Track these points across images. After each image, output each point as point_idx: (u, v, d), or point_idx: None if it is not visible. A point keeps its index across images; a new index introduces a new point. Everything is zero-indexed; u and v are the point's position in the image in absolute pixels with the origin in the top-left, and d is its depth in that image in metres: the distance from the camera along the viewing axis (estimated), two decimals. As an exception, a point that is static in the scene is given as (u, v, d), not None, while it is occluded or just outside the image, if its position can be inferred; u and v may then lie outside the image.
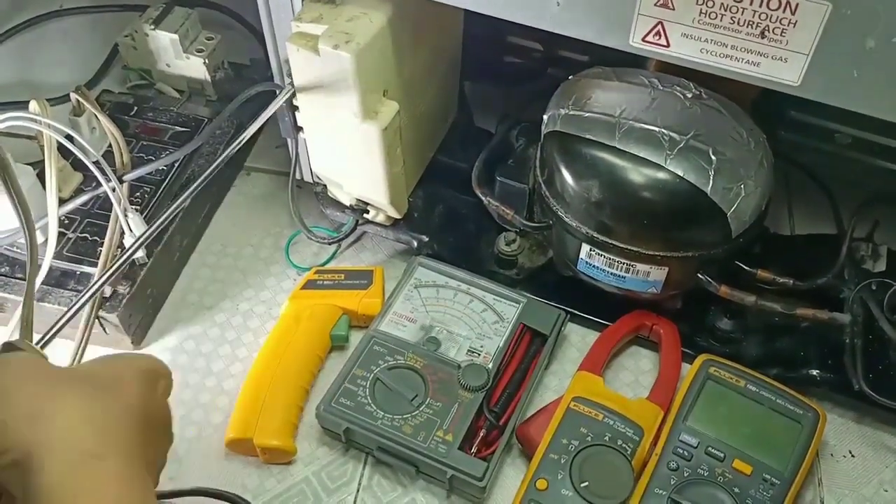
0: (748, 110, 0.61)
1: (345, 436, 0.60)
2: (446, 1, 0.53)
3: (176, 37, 0.77)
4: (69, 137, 0.62)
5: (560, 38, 0.50)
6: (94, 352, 0.62)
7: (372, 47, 0.56)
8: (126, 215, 0.63)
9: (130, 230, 0.64)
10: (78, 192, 0.70)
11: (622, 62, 0.59)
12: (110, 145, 0.68)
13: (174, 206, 0.59)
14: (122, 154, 0.61)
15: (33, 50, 0.92)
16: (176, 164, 0.73)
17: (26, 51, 0.92)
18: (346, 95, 0.57)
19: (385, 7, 0.57)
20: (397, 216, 0.69)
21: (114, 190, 0.62)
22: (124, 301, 0.64)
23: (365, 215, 0.70)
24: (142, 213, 0.69)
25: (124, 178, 0.63)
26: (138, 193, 0.70)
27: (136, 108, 0.79)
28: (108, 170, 0.62)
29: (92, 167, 0.62)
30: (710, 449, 0.57)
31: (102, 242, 0.65)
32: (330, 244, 0.74)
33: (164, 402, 0.43)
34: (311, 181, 0.72)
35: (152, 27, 0.77)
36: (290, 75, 0.60)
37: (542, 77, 0.77)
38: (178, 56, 0.78)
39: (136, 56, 0.81)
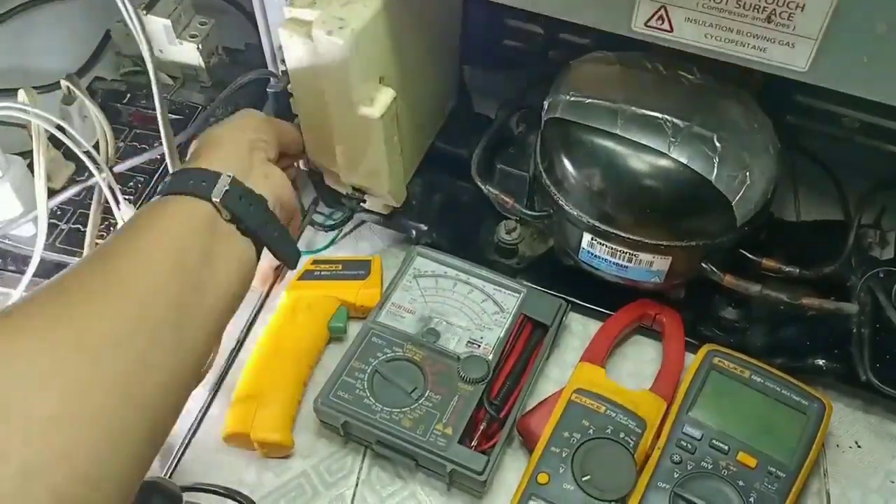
0: (754, 96, 0.60)
1: (343, 429, 0.59)
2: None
3: (168, 22, 0.75)
4: (60, 128, 0.61)
5: (561, 22, 0.49)
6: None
7: (367, 33, 0.54)
8: (118, 206, 0.62)
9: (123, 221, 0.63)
10: (70, 182, 0.69)
11: (625, 47, 0.57)
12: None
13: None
14: (108, 145, 0.60)
15: (26, 36, 0.91)
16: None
17: (18, 37, 0.91)
18: (341, 82, 0.56)
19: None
20: (395, 205, 0.68)
21: (105, 180, 0.61)
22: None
23: (362, 204, 0.69)
24: (136, 203, 0.68)
25: (114, 168, 0.61)
26: (131, 183, 0.69)
27: (128, 95, 0.78)
28: (100, 159, 0.60)
29: (82, 157, 0.61)
30: (714, 441, 0.56)
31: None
32: (327, 231, 0.73)
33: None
34: (307, 168, 0.70)
35: (144, 12, 0.75)
36: (283, 62, 0.59)
37: (542, 61, 0.75)
38: (171, 42, 0.77)
39: (128, 42, 0.80)
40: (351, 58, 0.54)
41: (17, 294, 0.62)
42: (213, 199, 0.49)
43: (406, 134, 0.63)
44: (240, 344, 0.61)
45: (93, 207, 0.61)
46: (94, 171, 0.61)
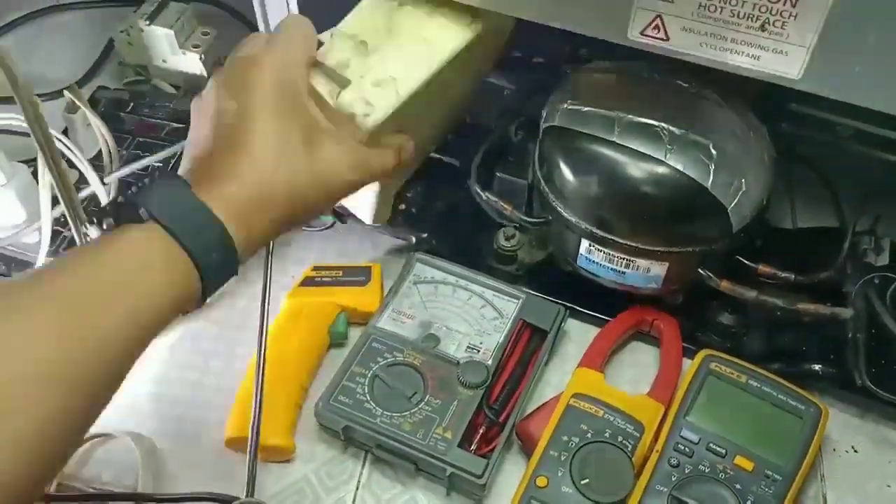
0: (749, 103, 0.60)
1: (343, 434, 0.59)
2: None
3: (171, 32, 0.76)
4: (64, 132, 0.62)
5: (561, 31, 0.50)
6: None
7: (392, 117, 0.53)
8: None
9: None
10: (74, 188, 0.70)
11: (623, 56, 0.58)
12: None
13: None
14: (110, 155, 0.61)
15: (31, 44, 0.92)
16: (172, 162, 0.72)
17: (24, 45, 0.92)
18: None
19: (420, 68, 0.54)
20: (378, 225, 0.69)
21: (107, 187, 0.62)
22: (121, 299, 0.64)
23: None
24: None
25: (106, 179, 0.62)
26: (131, 190, 0.70)
27: (131, 104, 0.78)
28: (97, 180, 0.61)
29: (82, 168, 0.62)
30: (711, 445, 0.57)
31: (99, 240, 0.65)
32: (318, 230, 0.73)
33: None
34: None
35: (147, 23, 0.76)
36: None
37: (542, 70, 0.76)
38: (173, 51, 0.78)
39: (131, 52, 0.81)
40: (368, 139, 0.53)
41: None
42: (197, 261, 0.39)
43: (406, 170, 0.63)
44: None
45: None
46: (93, 182, 0.61)
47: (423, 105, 0.56)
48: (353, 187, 0.48)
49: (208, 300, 0.42)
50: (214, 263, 0.40)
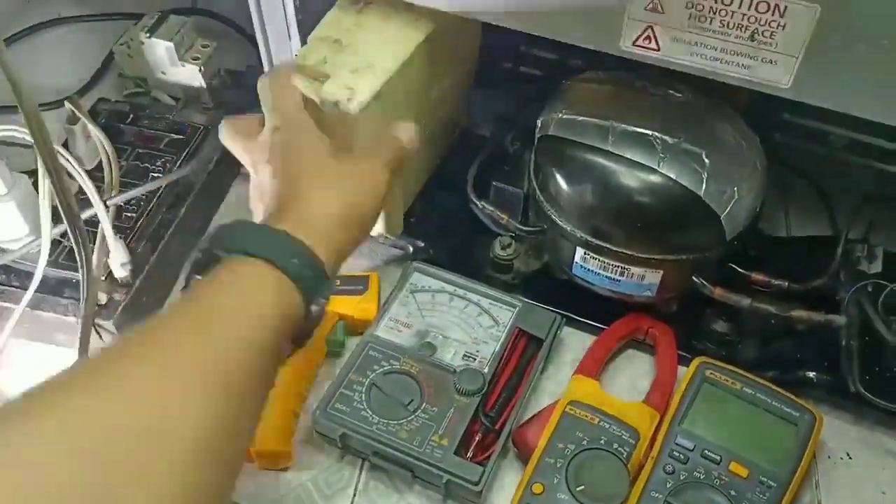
0: (742, 113, 0.61)
1: (341, 441, 0.60)
2: (438, 6, 0.53)
3: (171, 45, 0.77)
4: (64, 144, 0.63)
5: (555, 42, 0.51)
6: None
7: (375, 102, 0.55)
8: (105, 240, 0.63)
9: (109, 254, 0.64)
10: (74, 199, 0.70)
11: (618, 66, 0.59)
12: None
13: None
14: (111, 170, 0.61)
15: (32, 56, 0.93)
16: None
17: (26, 57, 0.92)
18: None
19: (394, 52, 0.56)
20: (393, 237, 0.69)
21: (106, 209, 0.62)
22: (120, 308, 0.65)
23: None
24: (137, 220, 0.70)
25: (109, 202, 0.62)
26: (133, 201, 0.70)
27: (131, 115, 0.79)
28: (94, 194, 0.61)
29: (81, 184, 0.63)
30: (706, 452, 0.57)
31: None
32: None
33: None
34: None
35: (147, 35, 0.77)
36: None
37: (537, 80, 0.77)
38: (173, 64, 0.79)
39: (131, 64, 0.81)
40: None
41: (19, 309, 0.63)
42: (305, 293, 0.44)
43: (410, 174, 0.64)
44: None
45: (98, 237, 0.63)
46: (93, 200, 0.62)
47: (410, 104, 0.58)
48: (394, 167, 0.52)
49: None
50: (309, 281, 0.44)
